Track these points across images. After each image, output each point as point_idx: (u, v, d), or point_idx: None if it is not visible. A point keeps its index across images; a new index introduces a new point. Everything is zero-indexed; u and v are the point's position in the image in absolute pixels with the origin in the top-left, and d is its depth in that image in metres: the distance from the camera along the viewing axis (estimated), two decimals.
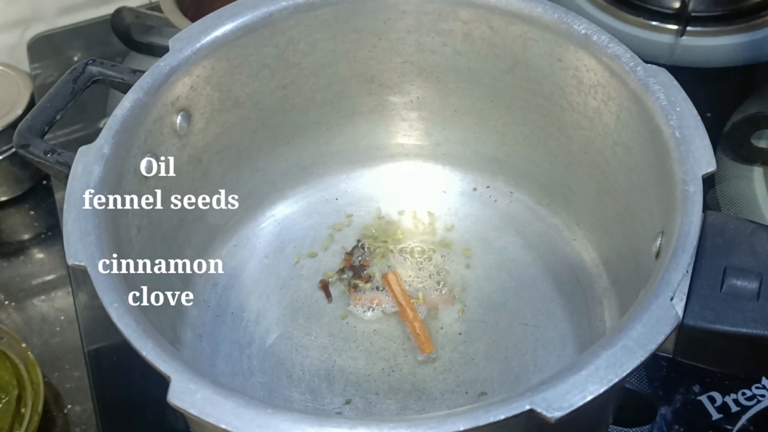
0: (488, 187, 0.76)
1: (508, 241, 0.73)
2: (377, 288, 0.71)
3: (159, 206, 0.64)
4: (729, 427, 0.66)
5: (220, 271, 0.72)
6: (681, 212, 0.52)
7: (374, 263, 0.72)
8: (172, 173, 0.65)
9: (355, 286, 0.71)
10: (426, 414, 0.63)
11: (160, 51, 0.65)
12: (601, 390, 0.45)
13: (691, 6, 0.87)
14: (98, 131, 0.60)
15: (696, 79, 0.64)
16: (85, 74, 0.64)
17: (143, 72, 0.63)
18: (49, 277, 0.87)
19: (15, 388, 0.72)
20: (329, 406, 0.65)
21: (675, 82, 0.58)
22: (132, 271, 0.59)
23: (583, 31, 0.62)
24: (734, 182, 0.78)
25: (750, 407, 0.67)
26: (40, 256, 0.89)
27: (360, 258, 0.72)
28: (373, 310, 0.69)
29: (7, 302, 0.85)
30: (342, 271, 0.72)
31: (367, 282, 0.71)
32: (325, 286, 0.71)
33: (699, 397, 0.67)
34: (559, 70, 0.65)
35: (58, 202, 0.87)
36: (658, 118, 0.57)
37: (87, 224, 0.55)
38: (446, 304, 0.69)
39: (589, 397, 0.45)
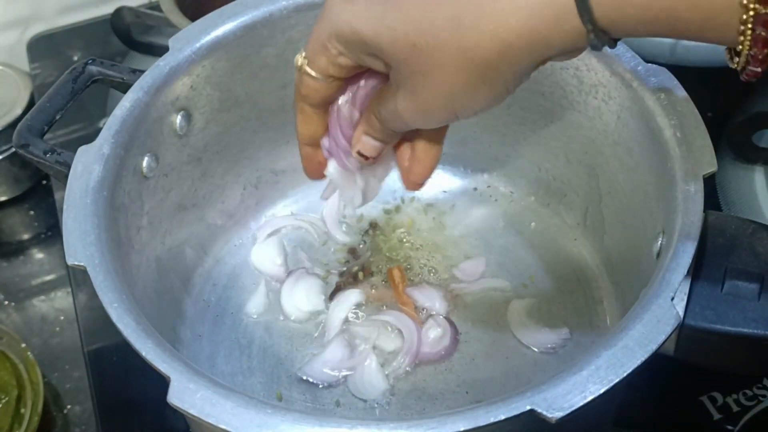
0: (488, 186, 0.76)
1: (508, 241, 0.73)
2: (381, 282, 0.71)
3: (158, 206, 0.64)
4: (730, 427, 0.66)
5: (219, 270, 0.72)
6: (682, 212, 0.52)
7: (374, 262, 0.72)
8: (171, 173, 0.65)
9: (356, 284, 0.71)
10: (426, 414, 0.63)
11: (160, 51, 0.65)
12: (602, 390, 0.45)
13: None
14: (98, 131, 0.60)
15: (697, 79, 0.64)
16: (85, 74, 0.64)
17: (143, 72, 0.63)
18: (49, 277, 0.87)
19: (15, 389, 0.72)
20: (329, 406, 0.64)
21: (676, 82, 0.58)
22: (132, 271, 0.59)
23: None
24: (735, 182, 0.78)
25: (751, 407, 0.66)
26: (39, 256, 0.89)
27: (361, 257, 0.72)
28: (374, 308, 0.69)
29: (6, 302, 0.85)
30: (344, 269, 0.72)
31: (367, 280, 0.71)
32: (336, 288, 0.71)
33: (700, 398, 0.67)
34: (559, 70, 0.65)
35: (57, 202, 0.87)
36: (659, 118, 0.57)
37: (87, 224, 0.55)
38: (447, 304, 0.69)
39: (590, 398, 0.45)
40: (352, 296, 0.69)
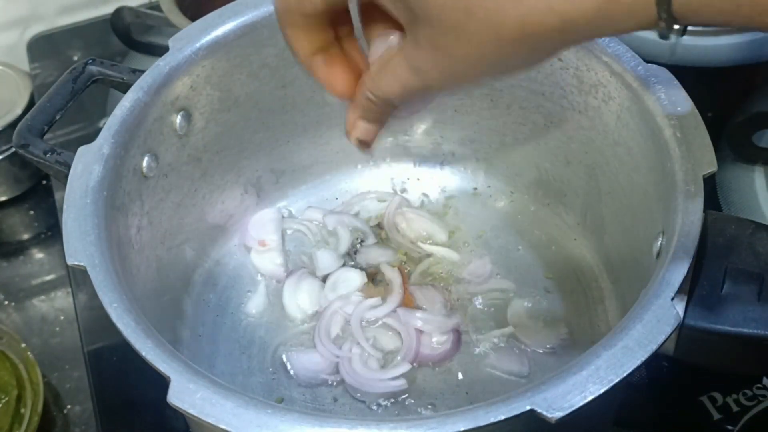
0: (488, 187, 0.76)
1: (508, 241, 0.73)
2: (381, 282, 0.71)
3: (158, 206, 0.64)
4: (730, 427, 0.66)
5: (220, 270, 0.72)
6: (682, 212, 0.52)
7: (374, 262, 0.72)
8: (171, 173, 0.65)
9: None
10: (426, 414, 0.63)
11: (160, 51, 0.65)
12: (602, 390, 0.45)
13: None
14: (98, 131, 0.60)
15: (697, 79, 0.64)
16: (85, 74, 0.64)
17: (143, 72, 0.63)
18: (49, 277, 0.87)
19: (15, 389, 0.72)
20: (329, 406, 0.65)
21: (676, 82, 0.58)
22: (132, 271, 0.59)
23: None
24: (735, 182, 0.78)
25: (751, 407, 0.66)
26: (39, 256, 0.89)
27: (361, 256, 0.72)
28: (374, 307, 0.69)
29: (6, 302, 0.85)
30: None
31: (369, 280, 0.71)
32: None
33: (700, 398, 0.67)
34: (559, 70, 0.65)
35: (57, 202, 0.87)
36: (659, 118, 0.57)
37: (87, 224, 0.55)
38: (448, 305, 0.69)
39: (590, 398, 0.45)
40: (352, 296, 0.69)
